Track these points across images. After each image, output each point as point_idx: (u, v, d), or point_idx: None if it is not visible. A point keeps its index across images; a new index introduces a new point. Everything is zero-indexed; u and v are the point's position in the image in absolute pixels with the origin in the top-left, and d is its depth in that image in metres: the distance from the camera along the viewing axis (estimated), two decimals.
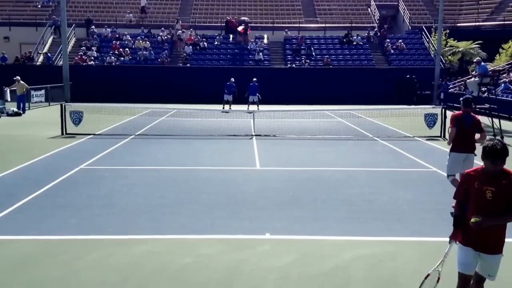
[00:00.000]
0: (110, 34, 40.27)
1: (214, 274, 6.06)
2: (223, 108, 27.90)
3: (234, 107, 28.07)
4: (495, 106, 18.46)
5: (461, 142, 8.84)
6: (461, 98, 9.50)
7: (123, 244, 7.07)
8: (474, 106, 18.48)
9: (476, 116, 9.19)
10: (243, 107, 26.98)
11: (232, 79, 28.65)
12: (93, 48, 38.06)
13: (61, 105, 18.74)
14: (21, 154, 13.77)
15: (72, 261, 6.43)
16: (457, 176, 8.86)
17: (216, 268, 6.22)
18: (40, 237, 7.33)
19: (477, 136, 8.95)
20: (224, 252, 6.80)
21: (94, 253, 6.70)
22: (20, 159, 12.96)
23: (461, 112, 9.11)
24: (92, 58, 36.92)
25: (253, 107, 26.98)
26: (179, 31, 39.73)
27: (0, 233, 7.47)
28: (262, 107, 27.02)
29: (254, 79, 28.63)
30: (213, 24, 43.29)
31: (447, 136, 17.59)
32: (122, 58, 37.21)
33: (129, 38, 39.48)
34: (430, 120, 18.75)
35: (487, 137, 4.14)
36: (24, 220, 8.10)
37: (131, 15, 43.65)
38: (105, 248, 6.91)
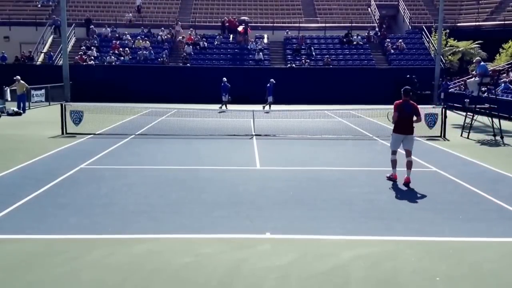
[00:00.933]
0: (110, 34, 40.31)
1: (214, 273, 6.07)
2: (225, 107, 27.99)
3: (235, 107, 28.06)
4: (495, 106, 18.47)
5: (401, 126, 10.87)
6: (402, 89, 11.16)
7: (123, 244, 7.08)
8: (474, 106, 18.68)
9: (414, 103, 10.95)
10: (245, 106, 26.95)
11: (225, 79, 28.52)
12: (93, 47, 38.08)
13: (61, 104, 18.75)
14: (22, 154, 13.78)
15: (72, 260, 6.44)
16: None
17: (216, 268, 6.23)
18: (41, 236, 7.34)
19: (415, 118, 10.88)
20: (224, 251, 6.81)
21: (94, 252, 6.71)
22: (20, 158, 12.98)
23: (401, 100, 10.88)
24: (92, 57, 36.94)
25: (267, 107, 27.49)
26: (180, 37, 39.71)
27: (1, 232, 7.47)
28: (262, 107, 27.06)
29: (272, 79, 28.67)
30: (213, 24, 43.30)
31: (447, 136, 17.79)
32: (122, 58, 37.23)
33: (129, 38, 39.49)
34: (430, 120, 18.76)
35: None
36: (25, 219, 8.11)
37: (130, 14, 43.68)
38: (105, 247, 6.92)
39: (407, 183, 10.60)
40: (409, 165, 10.77)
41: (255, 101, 28.46)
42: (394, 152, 11.10)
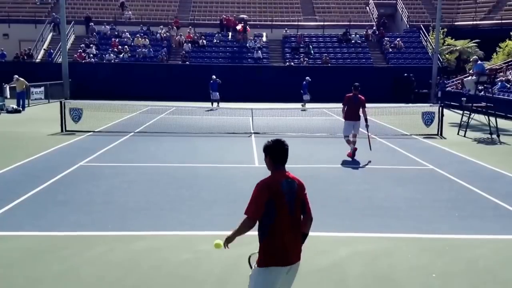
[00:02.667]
0: (109, 32, 40.27)
1: (213, 270, 6.13)
2: (212, 105, 27.85)
3: (233, 105, 28.07)
4: (492, 105, 18.55)
5: (350, 114, 13.33)
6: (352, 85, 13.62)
7: (123, 240, 7.14)
8: (471, 104, 18.77)
9: (361, 96, 13.40)
10: (243, 105, 27.00)
11: (214, 76, 28.37)
12: (92, 45, 38.06)
13: (61, 102, 18.79)
14: (21, 151, 13.82)
15: (72, 257, 6.51)
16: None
17: (215, 264, 6.29)
18: (40, 233, 7.41)
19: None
20: (223, 248, 6.86)
21: (94, 249, 6.77)
22: (20, 155, 13.02)
23: (351, 94, 13.39)
24: (92, 55, 36.93)
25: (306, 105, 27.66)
26: (177, 37, 39.68)
27: (1, 229, 7.54)
28: (261, 105, 27.06)
29: (307, 77, 28.70)
30: (212, 22, 43.30)
31: (444, 134, 17.87)
32: (121, 56, 37.22)
33: (128, 36, 39.46)
34: (427, 118, 18.85)
35: None
36: (24, 216, 8.17)
37: (130, 12, 43.65)
38: (104, 244, 6.97)
39: (354, 150, 13.44)
40: (354, 142, 13.51)
41: (254, 99, 28.48)
42: (347, 136, 13.68)
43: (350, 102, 13.44)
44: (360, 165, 12.80)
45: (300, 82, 32.90)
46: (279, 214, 4.07)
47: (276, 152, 4.32)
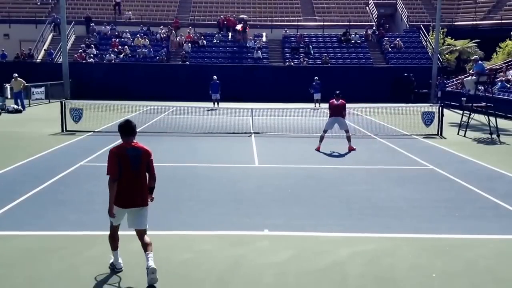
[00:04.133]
0: (109, 32, 40.28)
1: (213, 269, 6.14)
2: (217, 105, 27.86)
3: (233, 105, 28.06)
4: (492, 105, 18.56)
5: (333, 112, 15.14)
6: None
7: (123, 240, 7.08)
8: (471, 104, 18.78)
9: (343, 101, 15.41)
10: (242, 104, 27.00)
11: (215, 77, 28.37)
12: (92, 45, 38.06)
13: (61, 102, 18.80)
14: (22, 151, 13.84)
15: (72, 256, 6.51)
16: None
17: (215, 264, 6.30)
18: (41, 233, 7.42)
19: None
20: (223, 248, 6.88)
21: (94, 248, 6.78)
22: (20, 155, 13.03)
23: (334, 99, 15.30)
24: (92, 55, 36.94)
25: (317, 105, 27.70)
26: (178, 37, 39.66)
27: (1, 228, 7.55)
28: (261, 105, 27.06)
29: (316, 77, 28.77)
30: (212, 22, 43.29)
31: (444, 134, 17.88)
32: (122, 56, 37.22)
33: (129, 36, 39.47)
34: (427, 118, 18.86)
35: None
36: (25, 215, 8.18)
37: (130, 12, 43.65)
38: (104, 244, 6.94)
39: (350, 150, 14.78)
40: (349, 138, 15.07)
41: (254, 99, 28.46)
42: (325, 131, 15.17)
43: (333, 106, 15.38)
44: (360, 165, 12.81)
45: (300, 82, 33.00)
46: (124, 171, 5.66)
47: (122, 128, 5.92)
